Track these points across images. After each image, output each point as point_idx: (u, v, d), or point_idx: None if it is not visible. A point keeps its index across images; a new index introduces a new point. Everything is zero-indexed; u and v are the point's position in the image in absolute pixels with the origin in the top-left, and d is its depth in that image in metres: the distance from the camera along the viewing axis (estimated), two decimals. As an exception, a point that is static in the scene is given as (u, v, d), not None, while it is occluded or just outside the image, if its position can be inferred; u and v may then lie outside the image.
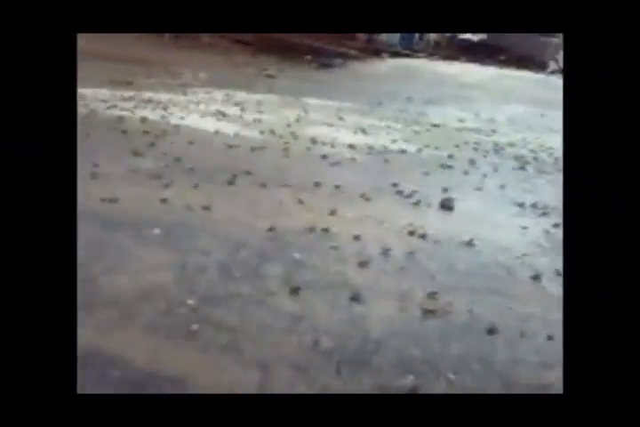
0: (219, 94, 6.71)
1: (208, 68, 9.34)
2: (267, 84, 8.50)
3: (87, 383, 1.54)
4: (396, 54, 14.49)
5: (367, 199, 3.37)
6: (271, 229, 2.74)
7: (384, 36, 16.36)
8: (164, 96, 6.00)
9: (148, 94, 5.99)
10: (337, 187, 3.52)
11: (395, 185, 3.68)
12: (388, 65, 12.01)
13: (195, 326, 1.89)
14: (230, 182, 3.37)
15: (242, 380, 1.67)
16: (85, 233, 2.46)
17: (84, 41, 10.59)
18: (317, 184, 3.53)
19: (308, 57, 12.46)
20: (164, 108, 5.21)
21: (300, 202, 3.19)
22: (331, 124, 5.54)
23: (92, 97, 5.46)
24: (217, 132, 4.56)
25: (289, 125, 5.22)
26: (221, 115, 5.32)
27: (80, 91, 5.84)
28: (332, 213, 3.06)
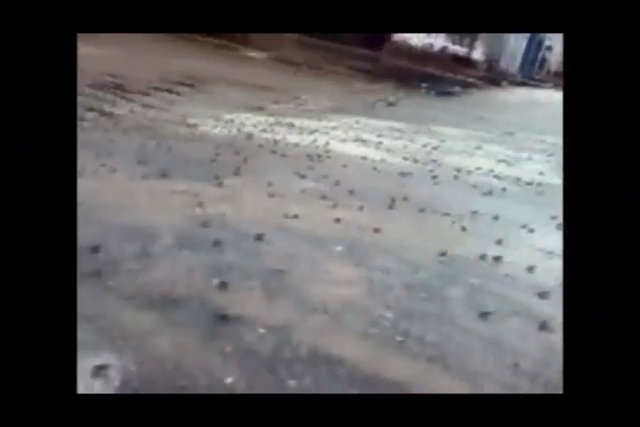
0: (351, 120, 7.10)
1: (329, 95, 9.88)
2: (389, 111, 8.82)
3: (315, 381, 1.77)
4: (516, 83, 14.33)
5: (531, 231, 3.45)
6: (443, 254, 2.91)
7: (503, 65, 16.25)
8: (303, 122, 6.49)
9: (287, 120, 6.50)
10: (495, 217, 3.64)
11: (554, 218, 3.72)
12: (511, 94, 11.93)
13: (399, 338, 2.09)
14: (391, 206, 3.60)
15: (455, 391, 1.83)
16: (279, 244, 2.78)
17: (215, 66, 11.57)
18: (475, 213, 3.67)
19: (425, 84, 12.71)
20: (310, 133, 5.65)
21: (464, 229, 3.34)
22: (471, 154, 5.68)
23: (240, 121, 6.04)
24: (365, 158, 4.87)
25: (429, 153, 5.42)
26: (361, 141, 5.66)
27: (226, 115, 6.49)
28: (499, 242, 3.17)
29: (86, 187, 3.20)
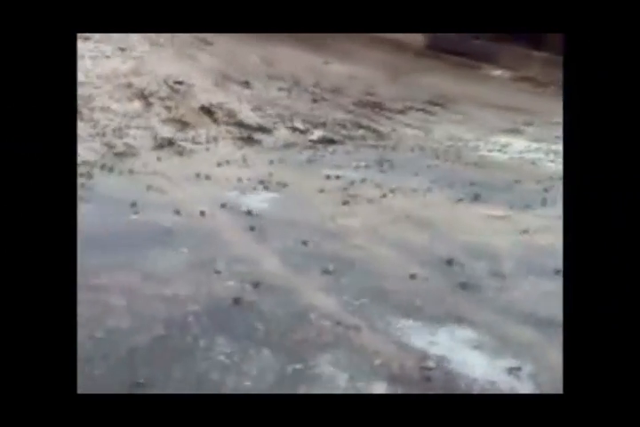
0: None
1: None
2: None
3: None
4: None
5: None
6: None
7: None
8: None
9: (553, 146, 6.61)
10: None
11: None
12: None
13: None
14: None
15: None
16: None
17: (459, 85, 11.92)
18: None
19: None
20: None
21: None
22: None
23: (511, 146, 6.34)
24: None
25: None
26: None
27: (489, 138, 6.85)
28: None
29: (416, 204, 3.79)
